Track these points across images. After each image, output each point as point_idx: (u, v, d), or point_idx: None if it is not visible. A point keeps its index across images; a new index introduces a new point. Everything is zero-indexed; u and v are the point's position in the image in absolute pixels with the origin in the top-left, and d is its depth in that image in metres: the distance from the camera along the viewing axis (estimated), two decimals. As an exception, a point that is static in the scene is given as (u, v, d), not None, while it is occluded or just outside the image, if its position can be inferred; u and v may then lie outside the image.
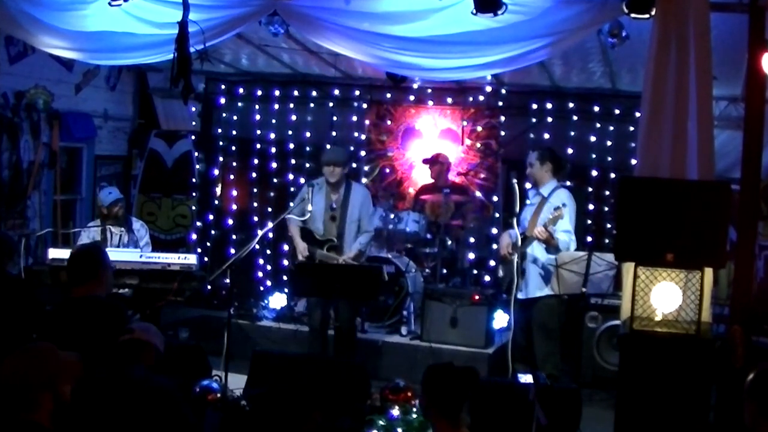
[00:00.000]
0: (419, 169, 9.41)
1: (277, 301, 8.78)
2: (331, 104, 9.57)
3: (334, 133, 9.53)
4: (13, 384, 3.11)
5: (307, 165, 9.59)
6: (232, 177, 9.98)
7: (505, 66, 6.22)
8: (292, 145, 9.71)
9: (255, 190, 9.89)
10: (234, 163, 9.95)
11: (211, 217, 9.83)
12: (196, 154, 10.17)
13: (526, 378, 5.48)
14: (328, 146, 8.70)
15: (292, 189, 9.53)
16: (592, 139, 8.75)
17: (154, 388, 3.78)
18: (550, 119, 8.87)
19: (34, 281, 6.16)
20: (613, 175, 8.57)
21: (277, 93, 9.60)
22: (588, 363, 7.53)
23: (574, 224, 6.85)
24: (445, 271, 8.52)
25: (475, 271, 8.89)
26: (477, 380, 3.91)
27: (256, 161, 9.81)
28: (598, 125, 8.76)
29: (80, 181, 9.69)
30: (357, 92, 9.42)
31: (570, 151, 8.73)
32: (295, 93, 9.56)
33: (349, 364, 6.48)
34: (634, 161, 6.23)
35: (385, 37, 5.85)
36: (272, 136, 9.76)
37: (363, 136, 9.56)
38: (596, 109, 8.70)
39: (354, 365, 6.40)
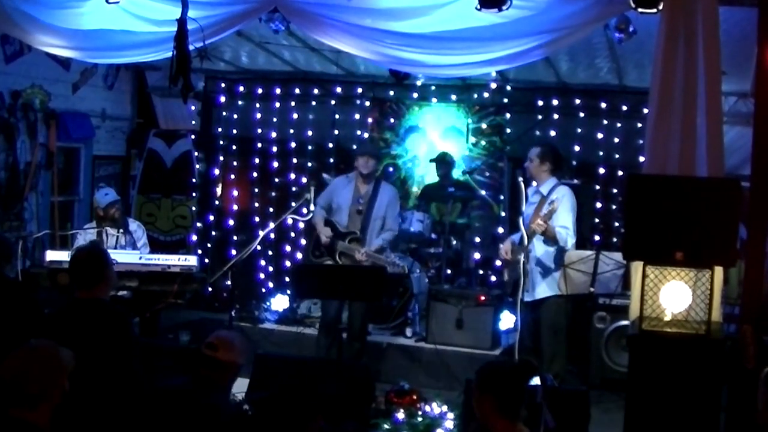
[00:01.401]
0: (423, 167, 9.33)
1: (279, 303, 8.71)
2: (333, 102, 9.48)
3: (336, 132, 9.45)
4: (17, 382, 3.09)
5: (309, 164, 9.53)
6: (232, 177, 9.90)
7: (510, 62, 6.14)
8: (293, 144, 9.63)
9: (256, 189, 9.81)
10: (235, 163, 9.87)
11: (211, 217, 9.74)
12: (196, 153, 10.12)
13: (534, 380, 5.42)
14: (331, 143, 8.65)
15: (293, 188, 9.46)
16: (599, 136, 8.67)
17: (222, 420, 3.79)
18: (556, 116, 8.79)
19: (32, 284, 6.12)
20: (620, 173, 8.52)
21: (278, 91, 9.51)
22: (597, 364, 7.46)
23: (572, 221, 6.72)
24: (450, 271, 8.42)
25: (481, 272, 8.79)
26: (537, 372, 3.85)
27: (257, 160, 9.73)
28: (605, 122, 8.68)
29: (78, 182, 9.66)
30: (359, 90, 9.33)
31: (577, 148, 8.66)
32: (297, 91, 9.47)
33: (353, 366, 6.41)
34: (642, 158, 6.14)
35: (387, 34, 5.80)
36: (273, 134, 9.67)
37: (366, 134, 9.46)
38: (603, 105, 8.62)
39: (358, 368, 6.33)
